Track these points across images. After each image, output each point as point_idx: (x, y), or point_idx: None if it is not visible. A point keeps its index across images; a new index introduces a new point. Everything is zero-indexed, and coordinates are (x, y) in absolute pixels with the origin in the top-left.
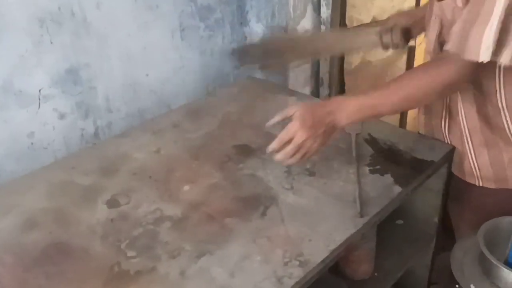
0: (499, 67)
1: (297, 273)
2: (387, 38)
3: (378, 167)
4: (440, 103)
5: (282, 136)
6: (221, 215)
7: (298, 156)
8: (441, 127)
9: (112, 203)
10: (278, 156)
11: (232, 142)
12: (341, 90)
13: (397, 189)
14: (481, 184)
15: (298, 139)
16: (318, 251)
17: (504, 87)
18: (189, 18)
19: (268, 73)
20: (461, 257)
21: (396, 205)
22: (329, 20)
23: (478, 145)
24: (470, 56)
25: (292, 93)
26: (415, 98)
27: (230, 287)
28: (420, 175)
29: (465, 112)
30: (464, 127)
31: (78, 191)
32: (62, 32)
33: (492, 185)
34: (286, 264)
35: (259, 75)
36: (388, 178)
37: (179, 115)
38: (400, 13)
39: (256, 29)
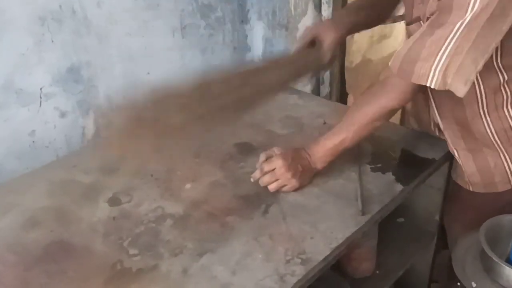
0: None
1: (299, 271)
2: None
3: (379, 165)
4: (426, 115)
5: (263, 167)
6: (223, 213)
7: (275, 185)
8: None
9: (114, 201)
10: (260, 181)
11: (233, 141)
12: (342, 89)
13: (399, 187)
14: (471, 189)
15: (277, 171)
16: (320, 249)
17: (485, 92)
18: (190, 17)
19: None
20: (463, 255)
21: (397, 203)
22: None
23: (463, 151)
24: (418, 80)
25: (293, 91)
26: (368, 127)
27: (232, 285)
28: (422, 173)
29: (443, 122)
30: (446, 136)
31: (79, 190)
32: (63, 31)
33: (481, 190)
34: (288, 262)
35: None
36: (390, 176)
37: None
38: (329, 27)
39: (257, 27)
